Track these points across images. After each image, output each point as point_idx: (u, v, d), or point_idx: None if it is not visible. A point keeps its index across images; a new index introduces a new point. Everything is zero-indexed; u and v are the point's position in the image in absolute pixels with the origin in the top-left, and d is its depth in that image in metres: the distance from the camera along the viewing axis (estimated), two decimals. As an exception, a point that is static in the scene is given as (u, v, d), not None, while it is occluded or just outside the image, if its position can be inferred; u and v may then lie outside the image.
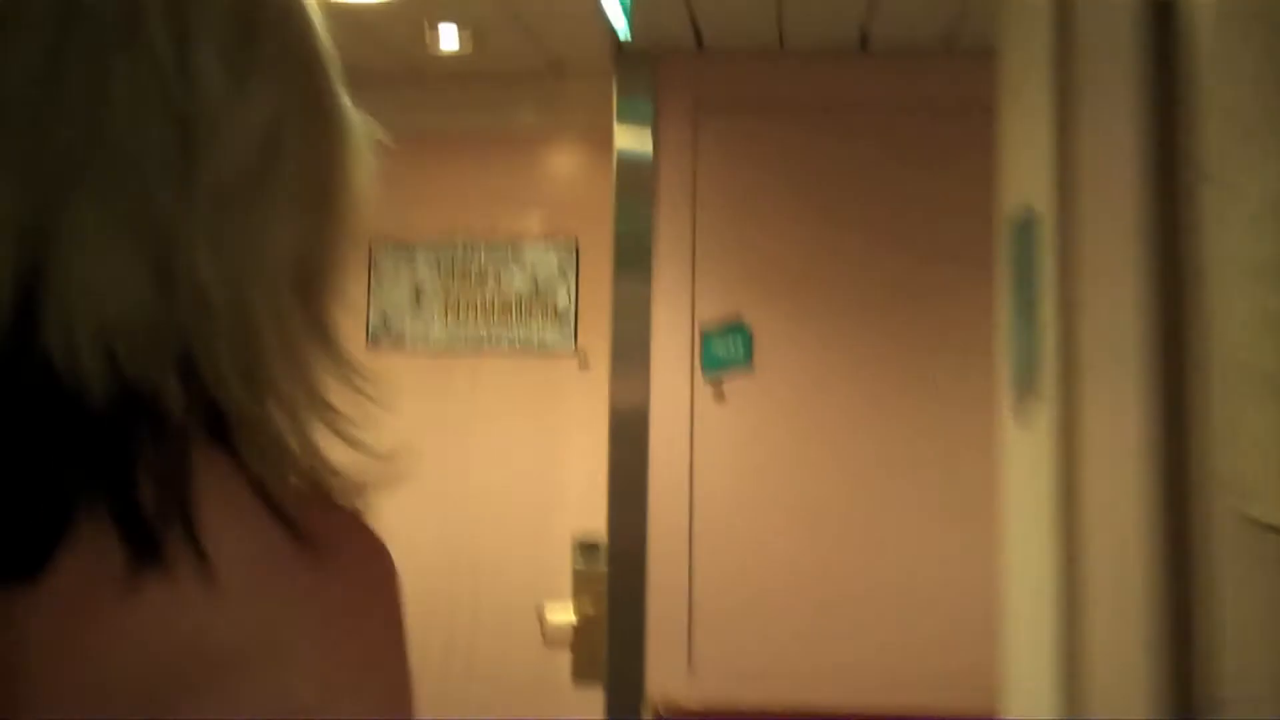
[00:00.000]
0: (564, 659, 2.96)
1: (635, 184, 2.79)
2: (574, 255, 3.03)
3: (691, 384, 2.75)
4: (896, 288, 2.74)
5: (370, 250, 3.10)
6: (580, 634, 2.94)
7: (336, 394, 0.63)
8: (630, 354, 2.75)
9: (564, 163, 3.13)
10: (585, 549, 2.96)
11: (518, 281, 3.06)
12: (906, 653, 2.65)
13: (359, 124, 0.67)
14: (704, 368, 2.75)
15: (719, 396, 2.75)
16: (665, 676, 2.70)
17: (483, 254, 3.08)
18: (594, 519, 2.95)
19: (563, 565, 2.99)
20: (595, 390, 2.98)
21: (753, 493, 2.74)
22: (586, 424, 2.98)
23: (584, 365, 3.01)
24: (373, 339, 3.08)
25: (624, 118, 2.81)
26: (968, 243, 2.63)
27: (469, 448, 3.03)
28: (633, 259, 2.77)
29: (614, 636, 2.73)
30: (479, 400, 3.05)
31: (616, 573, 2.73)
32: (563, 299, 3.03)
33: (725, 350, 2.74)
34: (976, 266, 2.61)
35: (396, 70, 2.96)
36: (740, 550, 2.73)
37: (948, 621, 2.65)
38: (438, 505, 3.03)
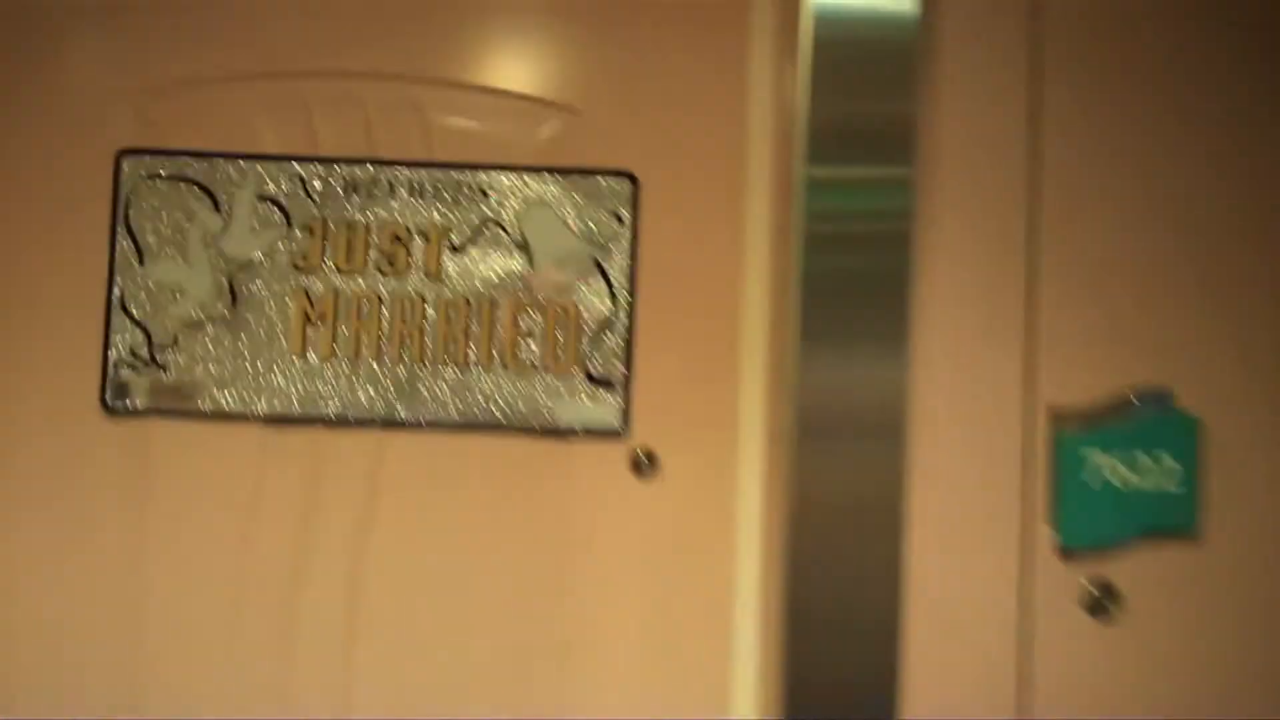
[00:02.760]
0: None
1: (862, 59, 1.12)
2: (626, 212, 1.32)
3: (1025, 571, 1.10)
4: None
5: (117, 171, 1.29)
6: None
7: None
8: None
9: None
10: None
11: (483, 266, 1.33)
12: None
13: None
14: (1064, 529, 1.10)
15: (1101, 605, 1.11)
16: None
17: (399, 191, 1.33)
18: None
19: None
20: (672, 534, 1.28)
21: None
22: (640, 619, 1.28)
23: (643, 468, 1.31)
24: (116, 391, 1.28)
25: None
26: None
27: (351, 658, 1.27)
28: (848, 232, 1.10)
29: None
30: (379, 543, 1.30)
31: None
32: (596, 310, 1.31)
33: (1127, 478, 1.09)
34: None
35: None
36: None
37: None
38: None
